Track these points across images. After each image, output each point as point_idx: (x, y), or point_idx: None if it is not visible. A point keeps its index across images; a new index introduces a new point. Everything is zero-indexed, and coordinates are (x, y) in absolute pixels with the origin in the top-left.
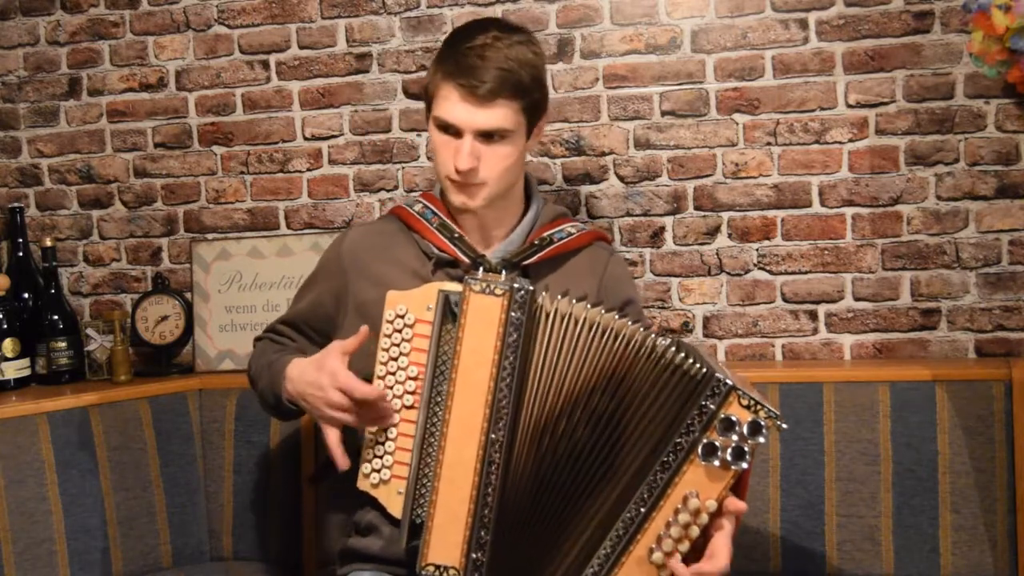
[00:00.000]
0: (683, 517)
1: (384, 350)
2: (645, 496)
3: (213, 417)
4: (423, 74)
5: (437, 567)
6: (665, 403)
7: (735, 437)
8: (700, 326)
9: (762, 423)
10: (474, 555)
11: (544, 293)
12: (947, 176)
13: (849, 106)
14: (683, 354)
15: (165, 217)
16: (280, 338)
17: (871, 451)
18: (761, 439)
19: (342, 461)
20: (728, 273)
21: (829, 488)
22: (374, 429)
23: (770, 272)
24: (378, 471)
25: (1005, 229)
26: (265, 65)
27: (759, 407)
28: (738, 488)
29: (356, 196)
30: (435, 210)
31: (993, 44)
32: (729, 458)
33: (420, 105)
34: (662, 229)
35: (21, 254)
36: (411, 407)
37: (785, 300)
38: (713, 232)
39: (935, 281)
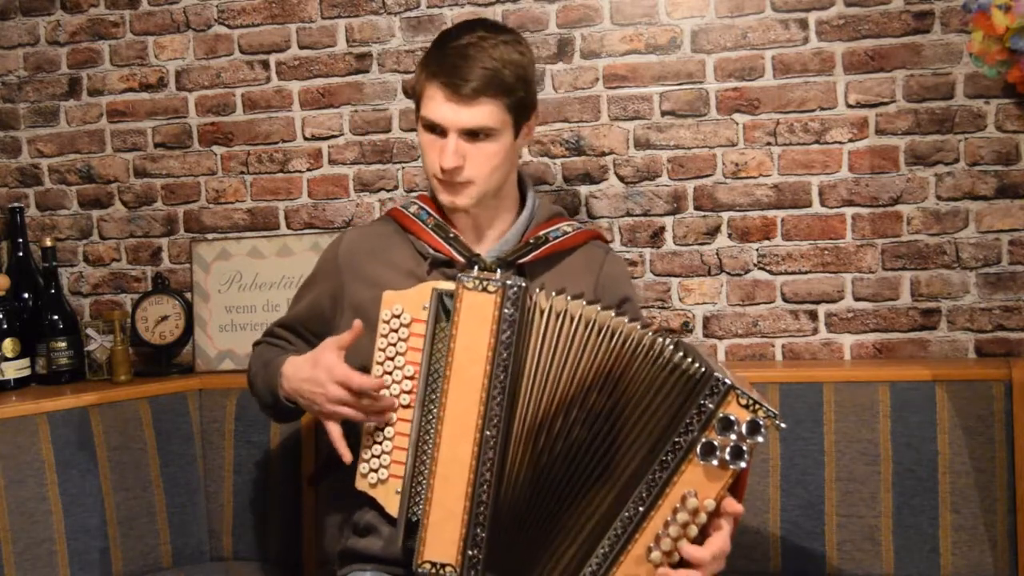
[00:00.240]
0: (682, 516)
1: (381, 350)
2: (643, 495)
3: (213, 417)
4: None
5: (433, 564)
6: (663, 402)
7: (734, 436)
8: (700, 326)
9: (761, 422)
10: (470, 552)
11: (539, 290)
12: (947, 176)
13: (849, 106)
14: (681, 353)
15: (165, 217)
16: (278, 341)
17: (871, 451)
18: (760, 438)
19: (347, 454)
20: (728, 273)
21: (829, 488)
22: (373, 426)
23: (770, 272)
24: (376, 471)
25: (1005, 229)
26: (265, 65)
27: (758, 407)
28: (736, 488)
29: (356, 196)
30: (430, 211)
31: (993, 44)
32: (728, 457)
33: None
34: (662, 229)
35: (21, 254)
36: (408, 406)
37: (785, 300)
38: (713, 232)
39: (935, 281)
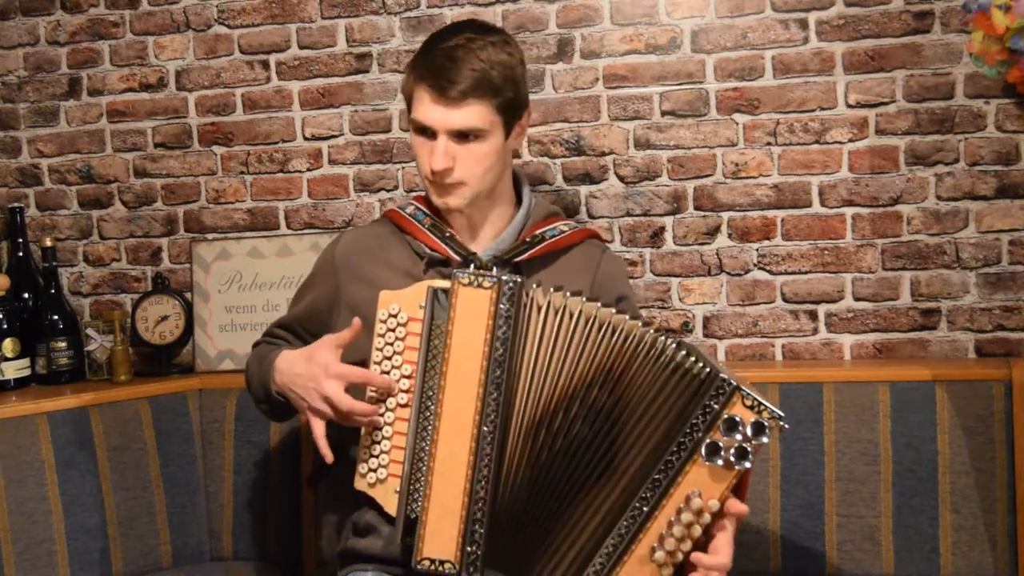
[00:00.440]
0: (686, 516)
1: (378, 350)
2: (648, 495)
3: (213, 417)
4: None
5: (432, 561)
6: (667, 401)
7: (739, 437)
8: (700, 326)
9: (765, 424)
10: (469, 549)
11: (536, 287)
12: (947, 176)
13: (849, 106)
14: (684, 352)
15: (165, 217)
16: (277, 341)
17: (871, 451)
18: (764, 439)
19: (328, 454)
20: (728, 273)
21: (829, 488)
22: (372, 426)
23: (770, 272)
24: (375, 471)
25: (1005, 229)
26: (265, 65)
27: (762, 408)
28: (739, 489)
29: (356, 196)
30: (426, 211)
31: (993, 44)
32: (732, 458)
33: None
34: (662, 229)
35: (21, 254)
36: (406, 405)
37: (785, 300)
38: (713, 232)
39: (935, 281)
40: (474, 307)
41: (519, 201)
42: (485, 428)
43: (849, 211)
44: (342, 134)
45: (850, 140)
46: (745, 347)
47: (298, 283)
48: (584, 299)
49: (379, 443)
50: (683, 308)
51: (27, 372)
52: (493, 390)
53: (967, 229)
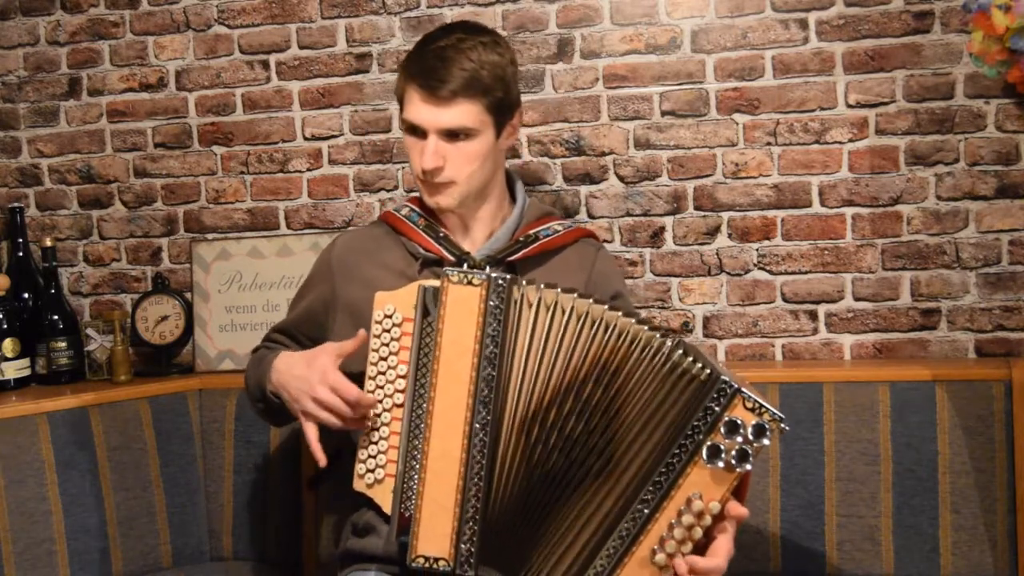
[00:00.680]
0: (687, 518)
1: (374, 351)
2: (648, 496)
3: (213, 417)
4: None
5: (427, 558)
6: (665, 402)
7: (740, 439)
8: (700, 326)
9: (766, 426)
10: (463, 546)
11: (526, 283)
12: (947, 176)
13: (849, 106)
14: (681, 351)
15: (165, 217)
16: (276, 346)
17: (871, 451)
18: (765, 441)
19: (321, 457)
20: (728, 273)
21: (829, 488)
22: (369, 427)
23: (770, 272)
24: (372, 471)
25: (1005, 229)
26: (265, 65)
27: (763, 410)
28: (739, 491)
29: (356, 196)
30: (420, 212)
31: (993, 44)
32: (733, 460)
33: None
34: (662, 229)
35: (21, 254)
36: (402, 405)
37: (785, 300)
38: (713, 232)
39: (935, 281)
40: (464, 305)
41: (514, 201)
42: (477, 425)
43: (849, 211)
44: (342, 134)
45: (850, 140)
46: (745, 347)
47: (298, 283)
48: (576, 295)
49: (376, 444)
50: (683, 308)
51: (27, 372)
52: (484, 387)
53: (967, 229)
